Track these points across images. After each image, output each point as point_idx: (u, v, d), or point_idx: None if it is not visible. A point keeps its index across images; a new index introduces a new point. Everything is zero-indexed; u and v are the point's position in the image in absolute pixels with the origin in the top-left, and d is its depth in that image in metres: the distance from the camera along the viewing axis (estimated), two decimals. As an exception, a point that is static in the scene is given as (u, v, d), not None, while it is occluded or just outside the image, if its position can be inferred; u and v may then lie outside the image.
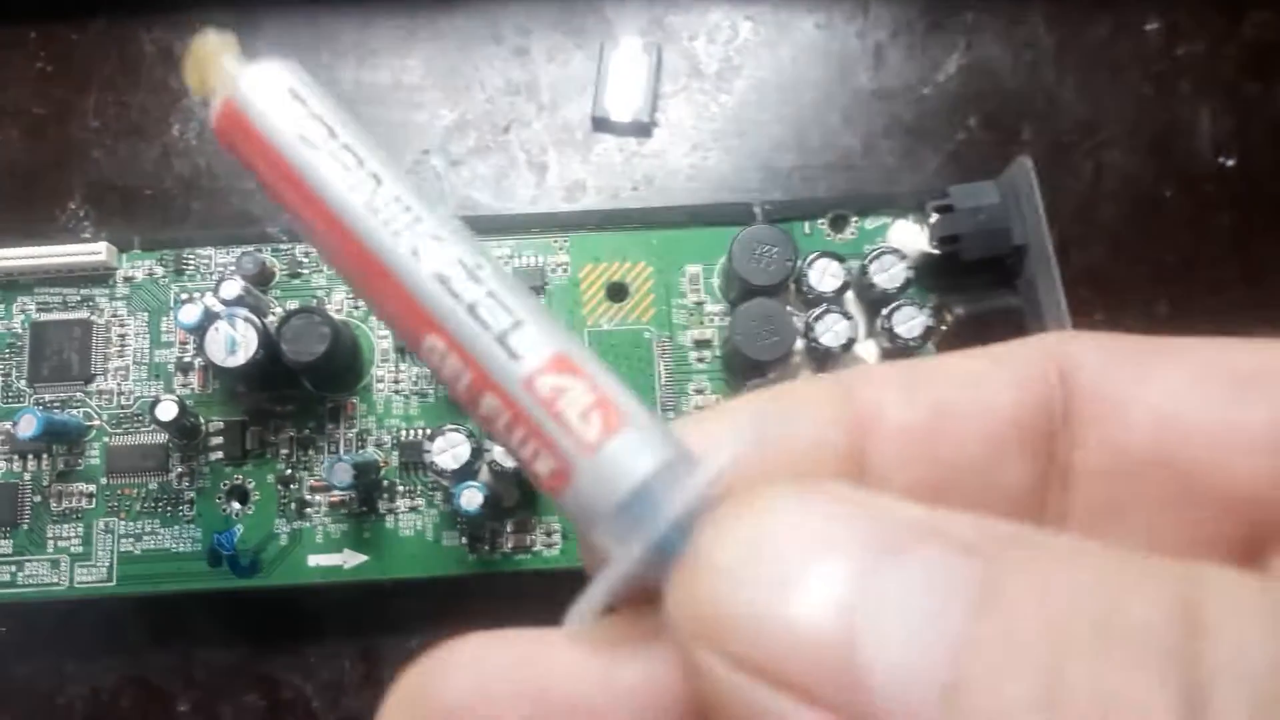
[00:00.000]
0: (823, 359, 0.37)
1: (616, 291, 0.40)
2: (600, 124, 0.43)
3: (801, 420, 0.15)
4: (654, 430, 0.14)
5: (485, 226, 0.39)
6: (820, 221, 0.40)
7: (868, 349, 0.39)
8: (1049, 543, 0.12)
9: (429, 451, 0.35)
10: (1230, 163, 0.43)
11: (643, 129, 0.43)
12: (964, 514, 0.12)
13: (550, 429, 0.14)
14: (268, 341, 0.36)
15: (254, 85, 0.15)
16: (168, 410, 0.36)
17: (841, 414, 0.16)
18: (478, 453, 0.35)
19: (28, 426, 0.35)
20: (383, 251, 0.15)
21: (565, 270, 0.39)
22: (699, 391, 0.39)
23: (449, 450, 0.35)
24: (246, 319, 0.35)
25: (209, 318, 0.36)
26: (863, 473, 0.15)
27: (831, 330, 0.37)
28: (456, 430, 0.35)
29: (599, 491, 0.13)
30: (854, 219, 0.40)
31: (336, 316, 0.39)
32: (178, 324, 0.36)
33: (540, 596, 0.39)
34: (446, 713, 0.14)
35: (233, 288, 0.36)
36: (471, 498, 0.35)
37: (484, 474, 0.36)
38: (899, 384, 0.16)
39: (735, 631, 0.12)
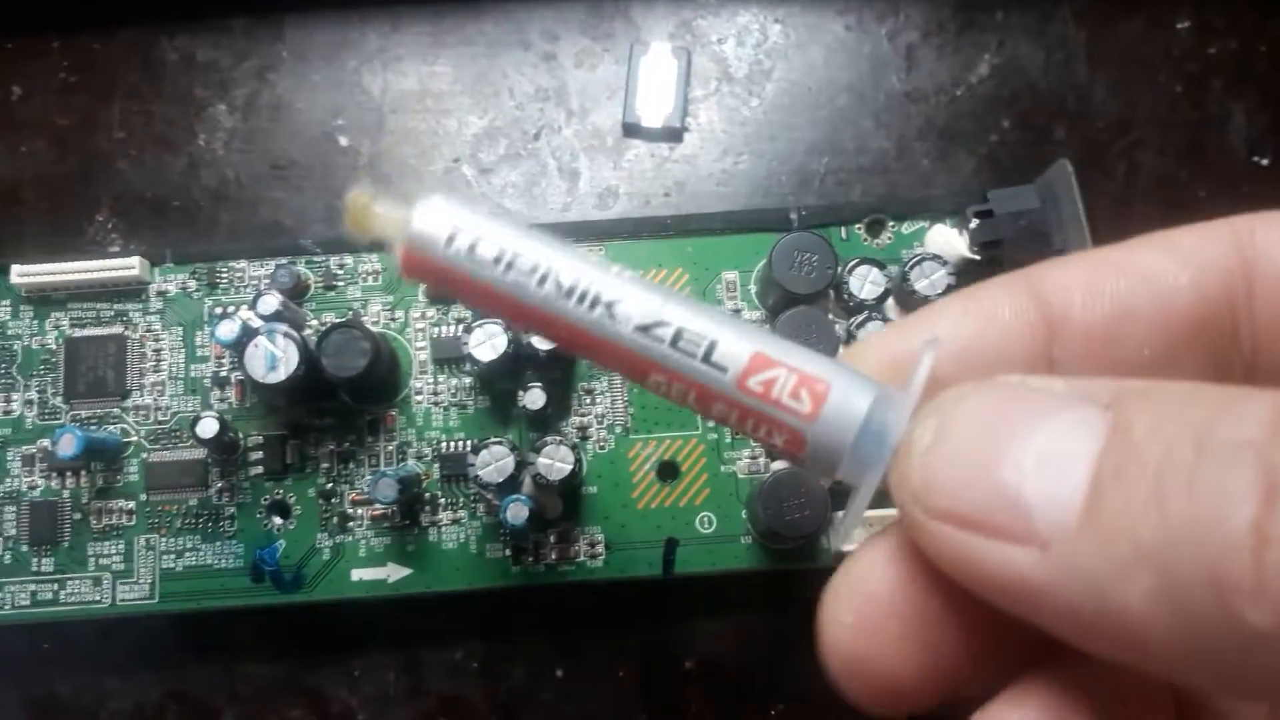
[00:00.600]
0: (864, 366, 0.37)
1: (653, 299, 0.39)
2: (631, 129, 0.43)
3: (993, 327, 0.18)
4: (854, 382, 0.17)
5: (520, 235, 0.39)
6: (857, 226, 0.40)
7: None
8: (1172, 388, 0.14)
9: (473, 465, 0.35)
10: (1265, 162, 0.43)
11: (674, 134, 0.43)
12: (1108, 379, 0.15)
13: (773, 414, 0.17)
14: (308, 357, 0.35)
15: (422, 232, 0.18)
16: (209, 428, 0.35)
17: (1029, 318, 0.18)
18: (521, 465, 0.35)
19: (68, 446, 0.35)
20: (584, 327, 0.18)
21: (601, 279, 0.39)
22: (738, 399, 0.39)
23: (493, 464, 0.35)
24: (287, 334, 0.35)
25: (247, 333, 0.35)
26: (1051, 371, 0.18)
27: (873, 338, 0.36)
28: (500, 443, 0.35)
29: (830, 445, 0.17)
30: (890, 223, 0.40)
31: (374, 329, 0.38)
32: (215, 340, 0.36)
33: (585, 608, 0.39)
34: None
35: (270, 302, 0.36)
36: (518, 511, 0.35)
37: (527, 486, 0.36)
38: (1084, 281, 0.18)
39: (932, 492, 0.15)
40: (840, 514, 0.36)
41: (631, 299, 0.18)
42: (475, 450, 0.35)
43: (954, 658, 0.16)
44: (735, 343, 0.17)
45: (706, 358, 0.17)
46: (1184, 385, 0.14)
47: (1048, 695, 0.16)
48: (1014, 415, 0.15)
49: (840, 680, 0.17)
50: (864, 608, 0.17)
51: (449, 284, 0.18)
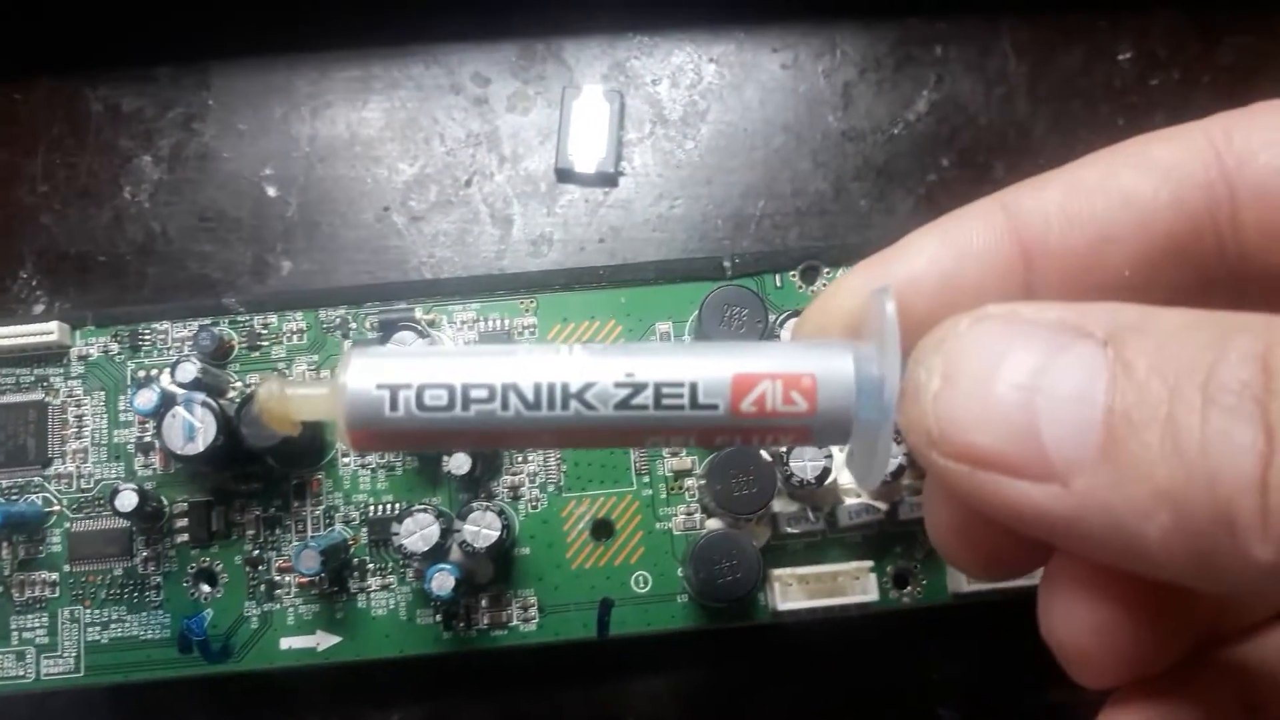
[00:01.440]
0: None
1: (586, 353, 0.39)
2: (564, 175, 0.42)
3: (969, 259, 0.18)
4: (834, 360, 0.17)
5: (450, 289, 0.38)
6: (791, 274, 0.39)
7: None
8: (1164, 322, 0.15)
9: (397, 534, 0.34)
10: (1206, 196, 0.42)
11: (608, 179, 0.42)
12: (1100, 307, 0.15)
13: (775, 424, 0.17)
14: (227, 425, 0.35)
15: (357, 402, 0.17)
16: (128, 500, 0.35)
17: (1005, 247, 0.18)
18: (447, 533, 0.35)
19: (-17, 523, 0.34)
20: (567, 427, 0.17)
21: (533, 332, 0.38)
22: (674, 454, 0.38)
23: (418, 532, 0.34)
24: (204, 404, 0.34)
25: (166, 402, 0.35)
26: (1028, 295, 0.18)
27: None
28: (424, 510, 0.34)
29: (836, 426, 0.17)
30: (825, 270, 0.39)
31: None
32: (134, 409, 0.35)
33: (522, 669, 0.39)
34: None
35: (189, 370, 0.35)
36: (443, 582, 0.34)
37: (455, 553, 0.35)
38: (1061, 207, 0.18)
39: (947, 435, 0.16)
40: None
41: (598, 376, 0.17)
42: (399, 519, 0.34)
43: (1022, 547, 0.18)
44: (714, 374, 0.17)
45: (694, 404, 0.17)
46: (1175, 317, 0.15)
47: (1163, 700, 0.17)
48: (1018, 353, 0.15)
49: (952, 564, 0.21)
50: (950, 519, 0.19)
51: (410, 444, 0.18)
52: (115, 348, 0.38)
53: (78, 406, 0.38)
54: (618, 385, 0.17)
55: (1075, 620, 0.17)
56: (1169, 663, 0.18)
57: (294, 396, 0.17)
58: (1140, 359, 0.14)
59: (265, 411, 0.17)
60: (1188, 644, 0.18)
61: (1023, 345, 0.15)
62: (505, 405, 0.17)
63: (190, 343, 0.38)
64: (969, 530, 0.18)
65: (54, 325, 0.37)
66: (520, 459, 0.38)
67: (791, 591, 0.36)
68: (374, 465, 0.37)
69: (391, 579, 0.37)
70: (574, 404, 0.17)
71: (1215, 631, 0.19)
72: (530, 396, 0.17)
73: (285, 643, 0.36)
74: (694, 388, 0.17)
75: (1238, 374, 0.14)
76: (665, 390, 0.17)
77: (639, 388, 0.17)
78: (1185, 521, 0.14)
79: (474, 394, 0.17)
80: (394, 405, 0.17)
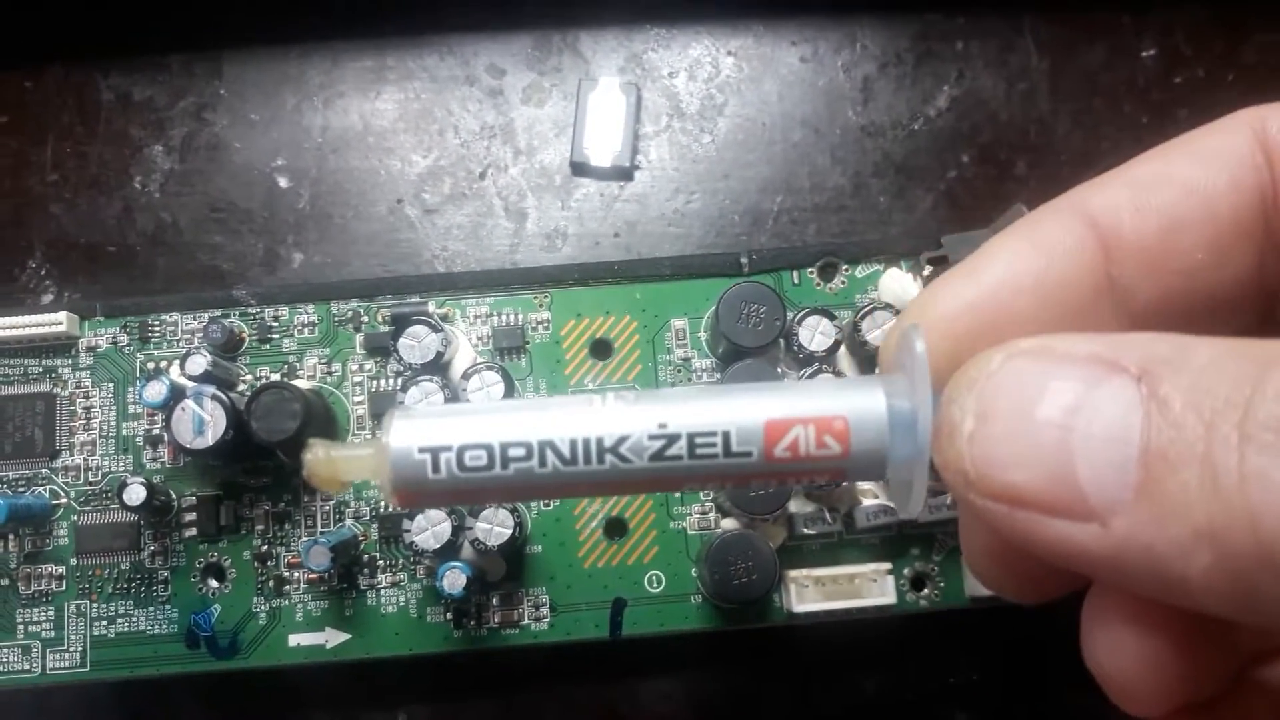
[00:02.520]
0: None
1: (600, 348, 0.38)
2: (579, 168, 0.42)
3: (1054, 257, 0.19)
4: (865, 399, 0.17)
5: (463, 283, 0.38)
6: (809, 270, 0.38)
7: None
8: (1198, 355, 0.15)
9: (408, 531, 0.34)
10: (1231, 196, 0.42)
11: (624, 172, 0.42)
12: (1132, 340, 0.15)
13: (810, 468, 0.18)
14: (237, 419, 0.34)
15: (402, 466, 0.17)
16: (136, 494, 0.34)
17: (1085, 243, 0.19)
18: (459, 530, 0.34)
19: (-10, 515, 0.34)
20: (604, 480, 0.17)
21: (547, 328, 0.38)
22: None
23: (429, 529, 0.34)
24: (214, 397, 0.34)
25: (175, 395, 0.34)
26: (1111, 290, 0.19)
27: (823, 391, 0.35)
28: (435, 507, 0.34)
29: (870, 465, 0.18)
30: (844, 267, 0.38)
31: (309, 384, 0.37)
32: (143, 403, 0.34)
33: (532, 668, 0.38)
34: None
35: (199, 363, 0.35)
36: (454, 580, 0.33)
37: (466, 551, 0.35)
38: (1130, 200, 0.19)
39: (984, 476, 0.16)
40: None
41: (632, 428, 0.17)
42: (410, 515, 0.34)
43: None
44: (747, 422, 0.17)
45: (728, 452, 0.17)
46: (1208, 349, 0.15)
47: None
48: (1052, 391, 0.15)
49: (989, 587, 0.20)
50: (987, 544, 0.19)
51: (453, 498, 0.18)
52: (124, 339, 0.38)
53: (86, 398, 0.37)
54: (651, 438, 0.18)
55: (1119, 651, 0.17)
56: (1215, 688, 0.17)
57: (340, 459, 0.18)
58: (1175, 395, 0.14)
59: (314, 475, 0.18)
60: (1232, 669, 0.18)
61: (1056, 382, 0.15)
62: (543, 463, 0.17)
63: (200, 335, 0.37)
64: (1006, 557, 0.19)
65: (63, 316, 0.37)
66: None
67: (807, 593, 0.36)
68: (385, 460, 0.37)
69: (402, 576, 0.36)
70: (610, 458, 0.17)
71: (1259, 651, 0.19)
72: (567, 453, 0.17)
73: (294, 639, 0.36)
74: (727, 437, 0.17)
75: (1275, 410, 0.13)
76: (699, 440, 0.18)
77: (672, 439, 0.18)
78: (1227, 560, 0.14)
79: (512, 453, 0.17)
80: (436, 468, 0.17)
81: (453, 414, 0.18)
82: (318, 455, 0.18)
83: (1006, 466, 0.15)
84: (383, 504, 0.37)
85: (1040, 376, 0.16)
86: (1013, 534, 0.16)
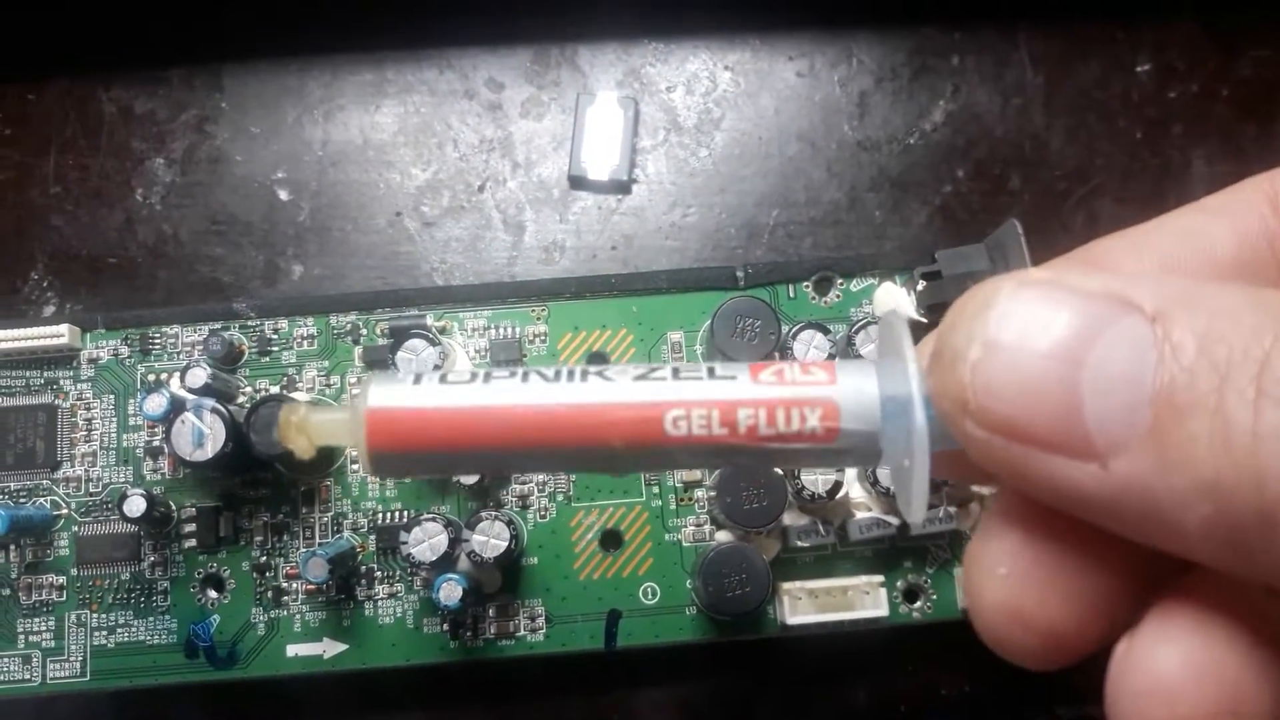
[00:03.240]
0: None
1: (597, 361, 0.38)
2: (577, 181, 0.42)
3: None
4: (857, 365, 0.17)
5: (461, 296, 0.38)
6: (804, 284, 0.39)
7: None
8: (1216, 299, 0.14)
9: (405, 543, 0.34)
10: (1224, 211, 0.42)
11: (621, 186, 0.42)
12: (1147, 277, 0.15)
13: (795, 393, 0.17)
14: (236, 431, 0.35)
15: (385, 388, 0.17)
16: (136, 506, 0.34)
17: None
18: (455, 542, 0.34)
19: (-9, 527, 0.34)
20: (586, 400, 0.17)
21: (544, 340, 0.38)
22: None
23: (426, 541, 0.34)
24: (214, 410, 0.34)
25: (175, 408, 0.34)
26: None
27: (818, 405, 0.35)
28: (433, 519, 0.34)
29: (863, 405, 0.17)
30: (839, 281, 0.39)
31: (307, 396, 0.38)
32: (144, 415, 0.35)
33: (527, 678, 0.39)
34: None
35: (199, 375, 0.35)
36: (450, 592, 0.34)
37: (463, 563, 0.35)
38: (1128, 246, 0.18)
39: (985, 407, 0.15)
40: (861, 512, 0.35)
41: (617, 368, 0.17)
42: (407, 527, 0.34)
43: (1098, 593, 0.17)
44: (730, 364, 0.18)
45: (712, 374, 0.17)
46: (1226, 296, 0.15)
47: (1190, 615, 0.16)
48: (1062, 324, 0.15)
49: (1002, 636, 0.17)
50: (1012, 561, 0.17)
51: (429, 434, 0.17)
52: (125, 351, 0.38)
53: (87, 410, 0.38)
54: (635, 365, 0.18)
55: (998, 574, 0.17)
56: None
57: (315, 421, 0.18)
58: (1189, 339, 0.14)
59: (286, 435, 0.18)
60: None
61: (1068, 315, 0.15)
62: (525, 378, 0.17)
63: (200, 347, 0.38)
64: (1027, 601, 0.17)
65: (64, 328, 0.37)
66: (530, 468, 0.37)
67: (801, 605, 0.36)
68: (383, 472, 0.37)
69: (399, 587, 0.37)
70: (592, 377, 0.17)
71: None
72: (549, 372, 0.17)
73: (291, 649, 0.36)
74: (711, 369, 0.17)
75: None
76: (683, 367, 0.17)
77: (656, 365, 0.17)
78: (1227, 516, 0.14)
79: (495, 372, 0.17)
80: (418, 380, 0.17)
81: (431, 375, 0.18)
82: (293, 416, 0.18)
83: (1010, 398, 0.15)
84: (380, 516, 0.37)
85: (1051, 308, 0.15)
86: (1007, 468, 0.15)
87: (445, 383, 0.17)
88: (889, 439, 0.17)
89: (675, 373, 0.17)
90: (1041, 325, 0.15)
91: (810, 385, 0.17)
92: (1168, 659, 0.16)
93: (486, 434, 0.17)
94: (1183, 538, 0.14)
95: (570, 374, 0.17)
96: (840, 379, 0.17)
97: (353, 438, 0.17)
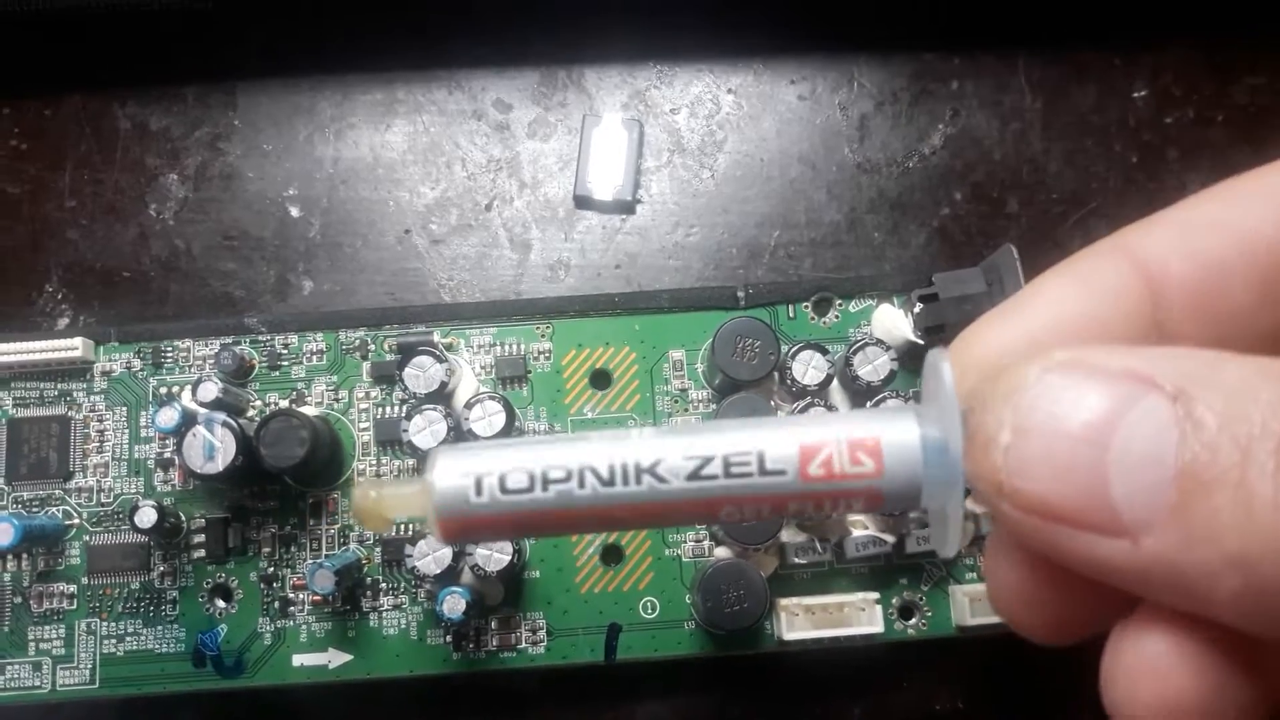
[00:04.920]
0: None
1: (600, 379, 0.39)
2: (582, 201, 0.43)
3: (1099, 299, 0.19)
4: (896, 421, 0.18)
5: (468, 313, 0.39)
6: (804, 305, 0.39)
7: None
8: (1232, 374, 0.15)
9: (410, 556, 0.35)
10: (1219, 235, 0.42)
11: (625, 206, 0.43)
12: (1166, 355, 0.16)
13: (845, 487, 0.18)
14: (246, 445, 0.35)
15: (446, 492, 0.18)
16: (147, 517, 0.35)
17: (1132, 286, 0.19)
18: (459, 555, 0.35)
19: (5, 536, 0.35)
20: (641, 501, 0.18)
21: (548, 358, 0.39)
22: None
23: (430, 555, 0.35)
24: (225, 423, 0.35)
25: (187, 420, 0.35)
26: (1158, 334, 0.19)
27: (816, 424, 0.36)
28: (438, 533, 0.35)
29: (906, 487, 0.18)
30: (838, 302, 0.39)
31: (316, 410, 0.38)
32: (156, 428, 0.36)
33: (529, 691, 0.39)
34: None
35: (210, 390, 0.36)
36: (454, 605, 0.34)
37: (466, 575, 0.36)
38: (1178, 246, 0.19)
39: (1018, 490, 0.16)
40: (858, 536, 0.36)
41: (668, 452, 0.18)
42: (412, 540, 0.35)
43: (1093, 593, 0.18)
44: (780, 443, 0.18)
45: (762, 470, 0.18)
46: (1241, 370, 0.15)
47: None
48: (1088, 406, 0.16)
49: (1015, 624, 0.19)
50: (1016, 571, 0.19)
51: (495, 528, 0.18)
52: (138, 364, 0.39)
53: (100, 422, 0.39)
54: (687, 458, 0.18)
55: (1013, 592, 0.19)
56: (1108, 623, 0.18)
57: (387, 497, 0.18)
58: (1209, 415, 0.15)
59: (362, 514, 0.18)
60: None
61: (1091, 397, 0.16)
62: (582, 483, 0.18)
63: (212, 361, 0.38)
64: (1034, 597, 0.19)
65: (78, 341, 0.38)
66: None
67: (798, 621, 0.36)
68: (389, 486, 0.38)
69: (403, 599, 0.37)
70: (647, 478, 0.18)
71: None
72: (605, 474, 0.18)
73: (297, 659, 0.37)
74: (761, 455, 0.18)
75: None
76: (734, 459, 0.18)
77: (707, 459, 0.18)
78: (1256, 587, 0.14)
79: (553, 474, 0.18)
80: (479, 491, 0.18)
81: (492, 447, 0.18)
82: (367, 495, 0.18)
83: (1040, 480, 0.16)
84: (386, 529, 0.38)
85: (1075, 391, 0.16)
86: (1043, 547, 0.16)
87: (506, 492, 0.18)
88: (930, 499, 0.18)
89: (727, 468, 0.18)
90: (1067, 408, 0.16)
91: (858, 480, 0.18)
92: (1158, 640, 0.16)
93: (548, 526, 0.18)
94: (1214, 607, 0.15)
95: (625, 476, 0.18)
96: (887, 466, 0.18)
97: (423, 510, 0.18)
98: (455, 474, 0.18)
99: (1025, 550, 0.18)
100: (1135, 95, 0.44)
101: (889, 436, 0.18)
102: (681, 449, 0.18)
